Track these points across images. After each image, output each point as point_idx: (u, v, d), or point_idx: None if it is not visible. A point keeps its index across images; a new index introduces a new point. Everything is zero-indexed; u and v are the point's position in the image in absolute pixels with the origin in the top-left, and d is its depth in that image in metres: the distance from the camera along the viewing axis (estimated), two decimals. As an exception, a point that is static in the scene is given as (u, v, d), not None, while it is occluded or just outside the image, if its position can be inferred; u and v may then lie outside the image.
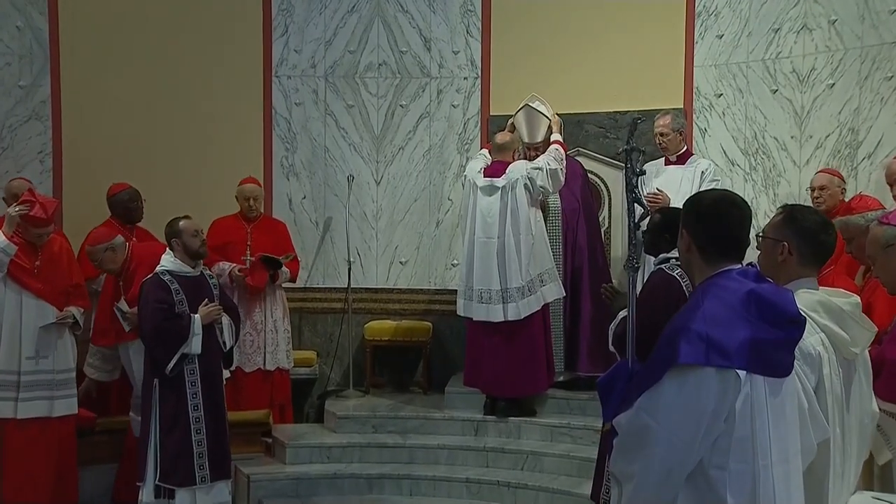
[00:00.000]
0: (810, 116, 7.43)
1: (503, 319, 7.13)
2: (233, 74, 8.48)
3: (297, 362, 8.16)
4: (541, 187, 7.16)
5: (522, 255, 7.12)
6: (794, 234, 3.32)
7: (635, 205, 3.42)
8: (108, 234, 6.75)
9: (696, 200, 3.08)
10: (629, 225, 3.41)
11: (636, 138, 3.53)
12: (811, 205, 6.38)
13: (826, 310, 3.30)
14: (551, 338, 7.41)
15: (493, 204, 7.23)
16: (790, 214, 3.39)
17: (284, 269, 7.82)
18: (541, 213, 7.30)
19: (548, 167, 7.18)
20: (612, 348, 4.81)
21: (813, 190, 6.67)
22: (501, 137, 7.50)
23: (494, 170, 7.34)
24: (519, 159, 7.45)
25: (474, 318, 7.27)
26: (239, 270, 7.62)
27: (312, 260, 8.70)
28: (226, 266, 7.62)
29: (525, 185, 7.16)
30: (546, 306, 7.25)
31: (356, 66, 8.67)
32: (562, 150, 7.30)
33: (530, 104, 7.52)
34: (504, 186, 7.22)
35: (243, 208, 7.86)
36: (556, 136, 7.39)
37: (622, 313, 4.72)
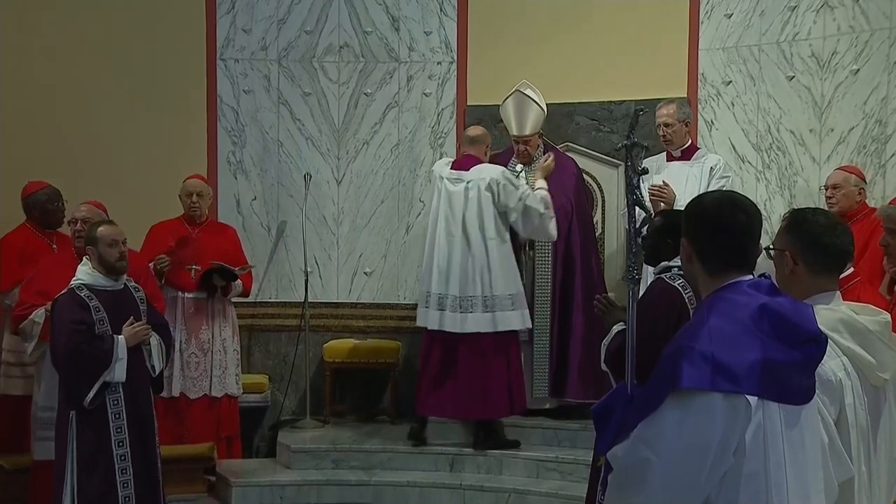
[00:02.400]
0: (831, 107, 7.46)
1: (459, 331, 7.20)
2: (170, 57, 8.45)
3: (246, 388, 8.12)
4: (504, 211, 7.21)
5: (491, 262, 7.19)
6: (796, 239, 3.34)
7: (636, 208, 3.39)
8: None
9: (696, 204, 3.07)
10: (629, 231, 3.40)
11: (636, 132, 3.52)
12: (825, 206, 6.41)
13: (850, 329, 3.30)
14: (519, 360, 7.39)
15: (457, 197, 7.29)
16: (791, 218, 3.41)
17: (238, 282, 7.78)
18: (507, 232, 7.30)
19: (528, 201, 7.18)
20: (604, 367, 4.81)
21: (826, 189, 6.71)
22: (474, 130, 7.58)
23: (462, 163, 7.40)
24: (490, 162, 7.49)
25: (428, 327, 7.32)
26: (163, 261, 7.50)
27: (264, 270, 8.67)
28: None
29: (492, 189, 7.20)
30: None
31: (314, 49, 8.65)
32: (549, 198, 7.24)
33: (521, 90, 7.53)
34: (470, 182, 7.27)
35: (186, 207, 7.81)
36: (541, 183, 7.36)
37: (616, 327, 4.73)
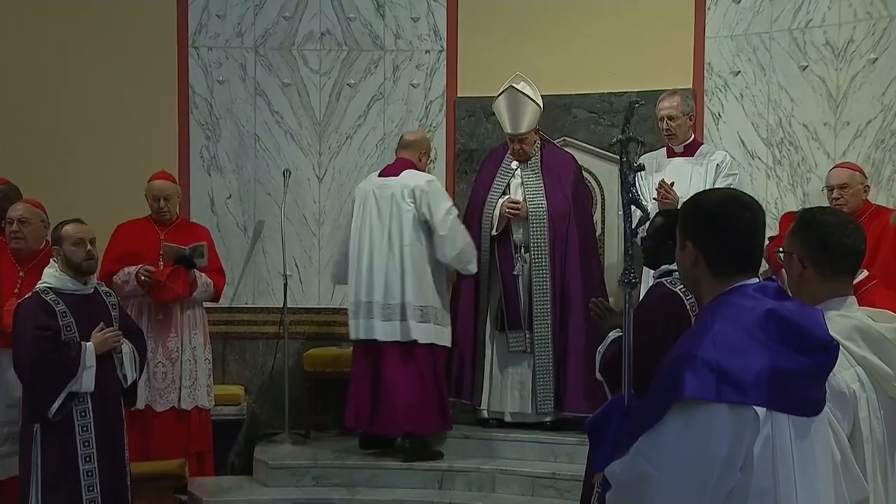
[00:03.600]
0: (847, 98, 7.48)
1: (385, 339, 7.40)
2: (138, 44, 8.43)
3: (219, 400, 8.09)
4: (426, 221, 7.38)
5: (405, 270, 7.40)
6: (804, 241, 3.34)
7: (632, 207, 3.38)
8: None
9: (697, 203, 3.06)
10: (625, 232, 3.38)
11: (633, 126, 3.51)
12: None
13: (865, 337, 3.30)
14: (441, 374, 7.55)
15: (385, 203, 7.46)
16: (798, 219, 3.42)
17: (202, 276, 7.68)
18: (425, 242, 7.45)
19: (454, 222, 7.38)
20: (598, 376, 4.81)
21: (831, 190, 6.70)
22: (411, 134, 7.79)
23: (393, 168, 7.57)
24: (486, 157, 7.55)
25: (352, 336, 7.55)
26: (147, 271, 7.48)
27: (240, 273, 8.66)
28: (132, 269, 7.52)
29: (415, 196, 7.37)
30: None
31: (293, 36, 8.65)
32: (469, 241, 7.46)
33: (514, 86, 7.52)
34: (395, 188, 7.44)
35: (154, 211, 7.77)
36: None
37: (613, 334, 4.73)
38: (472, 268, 7.49)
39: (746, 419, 2.72)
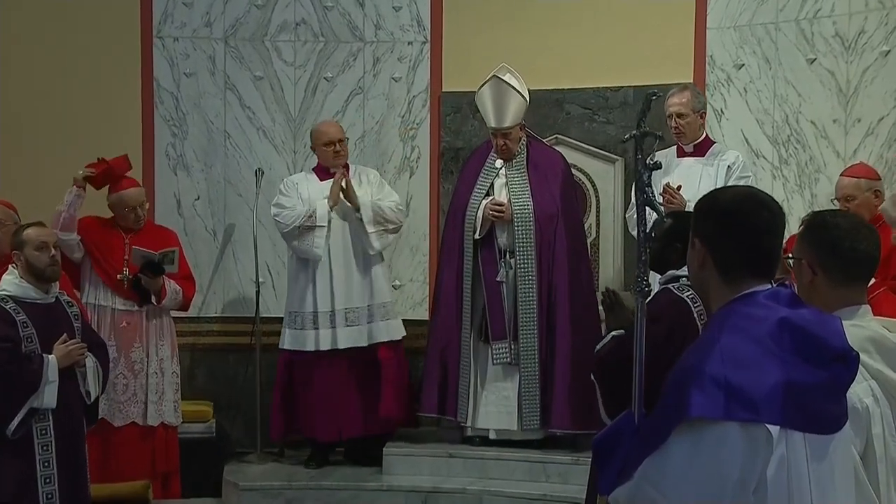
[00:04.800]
0: (858, 94, 7.48)
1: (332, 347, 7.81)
2: (98, 34, 8.40)
3: (185, 417, 8.04)
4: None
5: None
6: (814, 246, 3.33)
7: (647, 209, 3.35)
8: None
9: (711, 200, 3.04)
10: (639, 236, 3.36)
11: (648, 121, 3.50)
12: None
13: (879, 349, 3.29)
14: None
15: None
16: (808, 222, 3.41)
17: (171, 283, 7.65)
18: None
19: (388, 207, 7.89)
20: (592, 377, 4.78)
21: (838, 202, 6.66)
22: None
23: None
24: (468, 156, 7.81)
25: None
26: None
27: (209, 281, 8.64)
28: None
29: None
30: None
31: (266, 26, 8.63)
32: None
33: (499, 76, 7.50)
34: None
35: (129, 221, 7.69)
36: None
37: (614, 333, 4.71)
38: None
39: (759, 438, 2.69)
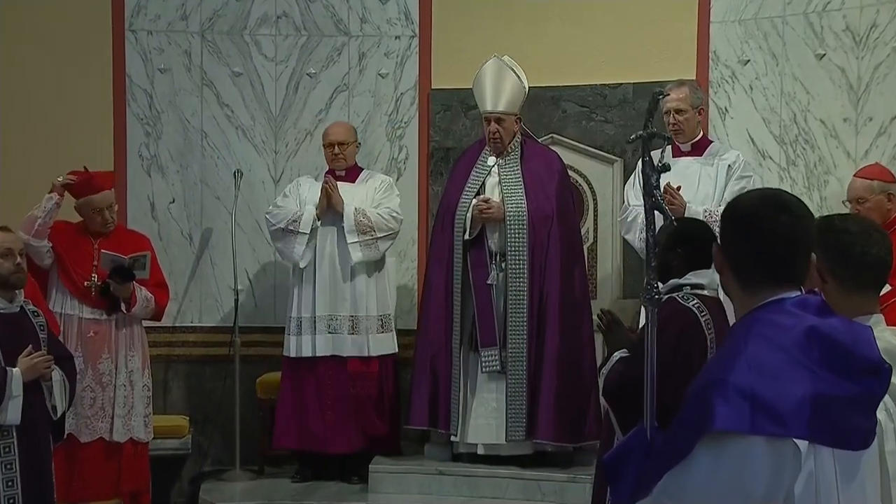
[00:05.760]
0: (870, 91, 7.50)
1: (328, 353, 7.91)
2: (66, 27, 8.39)
3: (159, 432, 8.02)
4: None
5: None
6: (823, 251, 3.30)
7: (655, 213, 3.34)
8: None
9: (734, 202, 3.05)
10: (647, 242, 3.35)
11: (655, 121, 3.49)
12: None
13: (894, 361, 3.26)
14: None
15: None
16: (818, 227, 3.37)
17: (142, 290, 7.60)
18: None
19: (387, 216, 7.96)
20: (602, 400, 4.83)
21: (850, 204, 6.68)
22: None
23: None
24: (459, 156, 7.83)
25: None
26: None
27: (184, 288, 8.64)
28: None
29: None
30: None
31: (245, 19, 8.64)
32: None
33: (499, 57, 7.55)
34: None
35: (96, 224, 7.68)
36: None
37: (619, 353, 4.72)
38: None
39: (786, 454, 2.69)
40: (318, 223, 7.86)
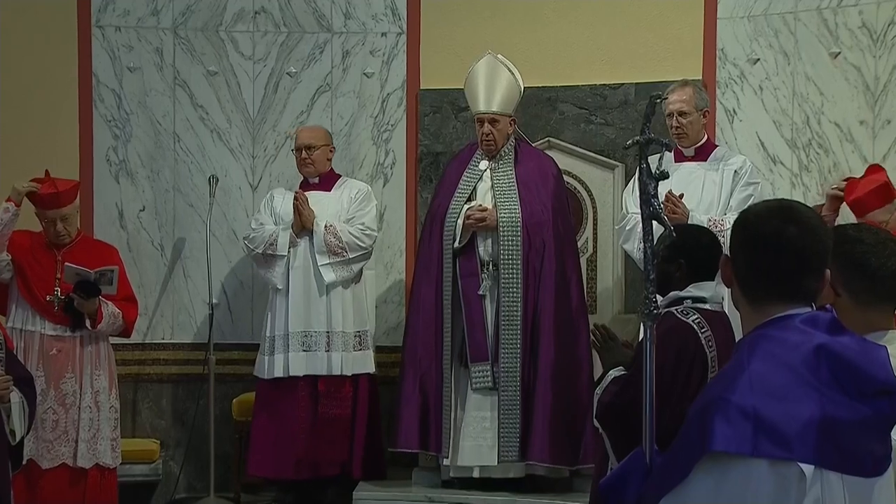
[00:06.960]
0: (888, 92, 7.52)
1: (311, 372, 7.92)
2: (29, 23, 8.40)
3: (128, 457, 8.02)
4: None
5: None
6: (836, 263, 3.31)
7: (653, 223, 3.34)
8: None
9: (744, 211, 3.06)
10: (645, 252, 3.35)
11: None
12: None
13: (906, 377, 3.28)
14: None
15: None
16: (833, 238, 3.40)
17: (108, 305, 7.58)
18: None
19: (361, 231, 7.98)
20: (595, 423, 4.83)
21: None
22: None
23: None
24: (451, 160, 7.82)
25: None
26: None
27: (156, 302, 8.65)
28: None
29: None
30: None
31: (220, 15, 8.65)
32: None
33: (493, 54, 7.57)
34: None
35: (49, 234, 7.66)
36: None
37: (613, 373, 4.74)
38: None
39: (790, 478, 2.70)
40: (298, 242, 7.89)
